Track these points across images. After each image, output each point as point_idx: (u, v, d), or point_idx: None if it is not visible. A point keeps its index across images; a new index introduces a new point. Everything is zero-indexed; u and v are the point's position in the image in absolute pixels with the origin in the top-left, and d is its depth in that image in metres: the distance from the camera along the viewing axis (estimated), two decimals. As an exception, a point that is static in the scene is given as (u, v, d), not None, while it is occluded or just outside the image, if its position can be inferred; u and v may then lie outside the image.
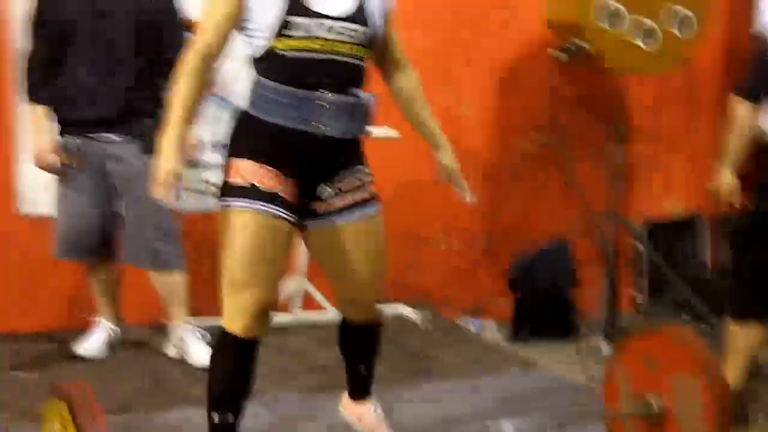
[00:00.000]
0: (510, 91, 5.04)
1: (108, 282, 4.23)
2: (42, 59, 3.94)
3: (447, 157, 3.02)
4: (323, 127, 2.69)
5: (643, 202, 5.22)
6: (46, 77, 3.95)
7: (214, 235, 4.51)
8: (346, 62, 2.71)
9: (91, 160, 3.98)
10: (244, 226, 2.68)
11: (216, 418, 2.78)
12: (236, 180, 2.71)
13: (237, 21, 2.69)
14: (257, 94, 2.73)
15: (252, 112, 2.74)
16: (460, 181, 3.04)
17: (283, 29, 2.64)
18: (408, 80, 2.97)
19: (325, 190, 2.80)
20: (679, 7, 4.49)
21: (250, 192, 2.68)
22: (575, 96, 5.13)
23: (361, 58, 2.76)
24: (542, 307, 4.72)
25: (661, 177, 5.32)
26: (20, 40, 4.14)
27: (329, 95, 2.68)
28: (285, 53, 2.65)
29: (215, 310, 4.49)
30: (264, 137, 2.71)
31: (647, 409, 3.09)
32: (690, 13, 4.51)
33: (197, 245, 4.33)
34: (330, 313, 4.79)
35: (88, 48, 3.89)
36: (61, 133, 4.00)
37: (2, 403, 3.61)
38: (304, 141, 2.70)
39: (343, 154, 2.81)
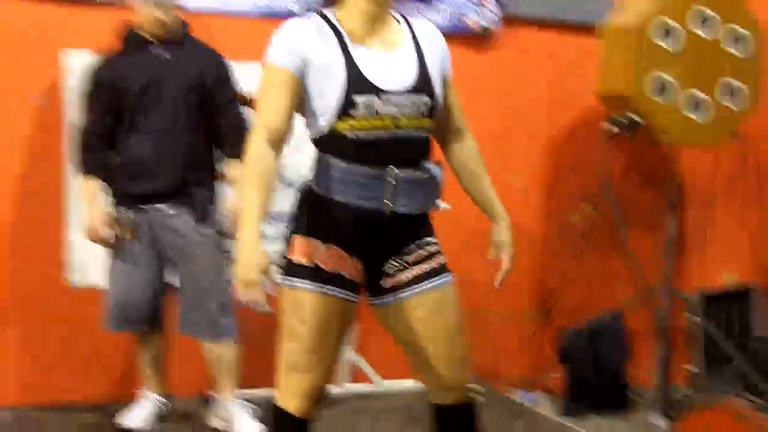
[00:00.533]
0: (561, 163, 5.02)
1: (156, 354, 4.19)
2: (97, 132, 3.95)
3: (503, 232, 2.85)
4: (393, 205, 2.59)
5: (698, 273, 5.13)
6: (101, 150, 3.97)
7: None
8: (412, 137, 2.61)
9: (144, 231, 3.98)
10: (305, 308, 2.60)
11: None
12: (299, 259, 2.62)
13: (298, 102, 2.60)
14: (322, 172, 2.61)
15: (317, 190, 2.63)
16: (507, 261, 2.86)
17: (346, 109, 2.54)
18: (468, 150, 2.85)
19: (393, 265, 2.68)
20: (730, 80, 4.46)
21: (313, 273, 2.60)
22: (628, 167, 5.09)
23: (426, 130, 2.67)
24: (596, 380, 4.62)
25: (715, 247, 5.24)
26: (73, 112, 4.19)
27: (398, 172, 2.58)
28: (349, 134, 2.55)
29: (261, 381, 4.55)
30: (329, 216, 2.62)
31: None
32: (741, 85, 4.48)
33: (244, 316, 4.30)
34: (378, 386, 4.74)
35: (145, 121, 3.91)
36: (114, 205, 4.01)
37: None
38: (373, 219, 2.61)
39: (411, 228, 2.69)
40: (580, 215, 4.92)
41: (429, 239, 2.74)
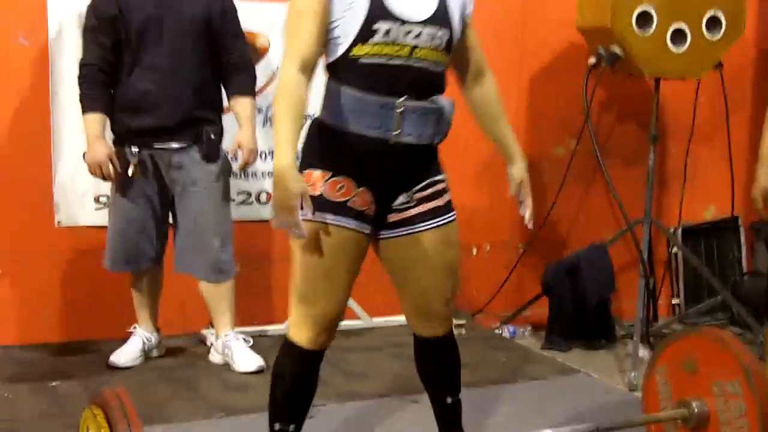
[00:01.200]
0: (544, 98, 5.02)
1: (151, 292, 4.21)
2: (99, 66, 3.89)
3: (517, 171, 2.87)
4: (403, 136, 2.59)
5: (680, 206, 5.15)
6: (104, 85, 3.91)
7: (256, 244, 4.62)
8: (426, 69, 2.61)
9: (148, 168, 3.97)
10: (313, 239, 2.59)
11: (277, 427, 2.75)
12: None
13: (326, 29, 2.56)
14: (332, 102, 2.62)
15: (327, 121, 2.65)
16: (526, 199, 2.89)
17: (365, 35, 2.54)
18: (487, 91, 2.85)
19: (401, 201, 2.71)
20: (709, 10, 4.45)
21: (321, 204, 2.59)
22: (609, 101, 5.11)
23: (442, 64, 2.67)
24: (578, 312, 4.67)
25: (697, 181, 5.27)
26: (58, 53, 4.21)
27: (409, 102, 2.58)
28: (365, 60, 2.56)
29: (259, 317, 4.60)
30: (338, 146, 2.62)
31: (689, 414, 3.05)
32: (721, 16, 4.47)
33: (240, 253, 4.33)
34: (366, 323, 4.79)
35: (148, 56, 3.88)
36: (118, 142, 3.98)
37: (41, 413, 3.63)
38: (382, 150, 2.61)
39: (420, 162, 2.71)
40: (564, 148, 4.94)
41: (437, 177, 2.77)
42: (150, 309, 4.24)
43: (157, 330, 4.29)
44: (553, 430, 3.04)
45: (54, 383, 3.94)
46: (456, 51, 2.72)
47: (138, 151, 3.94)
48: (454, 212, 2.80)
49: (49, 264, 4.41)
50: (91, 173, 3.94)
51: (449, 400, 2.96)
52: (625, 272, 4.99)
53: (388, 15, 2.55)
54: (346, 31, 2.56)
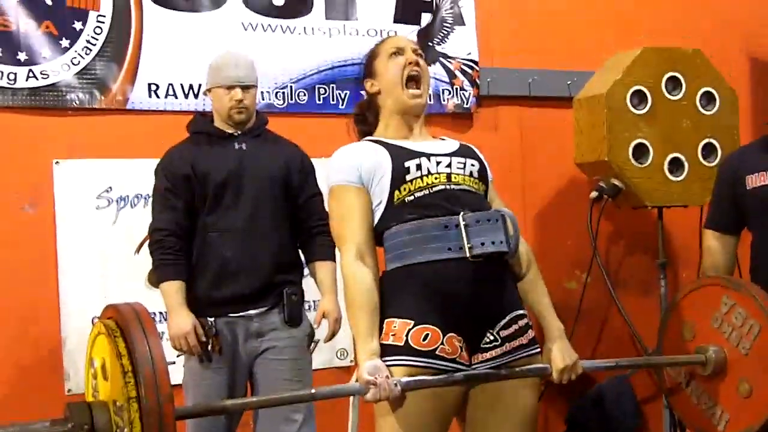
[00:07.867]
0: (550, 233, 5.04)
1: None
2: (172, 231, 3.60)
3: (553, 351, 2.71)
4: (476, 248, 2.53)
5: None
6: (182, 251, 3.61)
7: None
8: (469, 190, 2.66)
9: (228, 340, 3.63)
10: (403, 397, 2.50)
11: None
12: (388, 341, 2.55)
13: (371, 207, 2.65)
14: (394, 247, 2.61)
15: (393, 265, 2.61)
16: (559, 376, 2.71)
17: (399, 178, 2.61)
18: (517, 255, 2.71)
19: (488, 338, 2.60)
20: (704, 138, 4.52)
21: (406, 350, 2.52)
22: (616, 231, 5.13)
23: (480, 191, 2.71)
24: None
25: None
26: (64, 223, 4.23)
27: (468, 213, 2.55)
28: (409, 198, 2.60)
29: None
30: (411, 289, 2.56)
31: (705, 359, 3.12)
32: (716, 143, 4.54)
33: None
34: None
35: (225, 219, 3.62)
36: (195, 313, 3.60)
37: None
38: (456, 273, 2.53)
39: (499, 285, 2.62)
40: (576, 282, 4.93)
41: (520, 310, 2.67)
42: None
43: None
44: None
45: None
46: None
47: (214, 321, 3.61)
48: (538, 348, 2.70)
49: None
50: (175, 347, 3.57)
51: None
52: (649, 403, 4.89)
53: (413, 153, 2.63)
54: (382, 186, 2.61)
